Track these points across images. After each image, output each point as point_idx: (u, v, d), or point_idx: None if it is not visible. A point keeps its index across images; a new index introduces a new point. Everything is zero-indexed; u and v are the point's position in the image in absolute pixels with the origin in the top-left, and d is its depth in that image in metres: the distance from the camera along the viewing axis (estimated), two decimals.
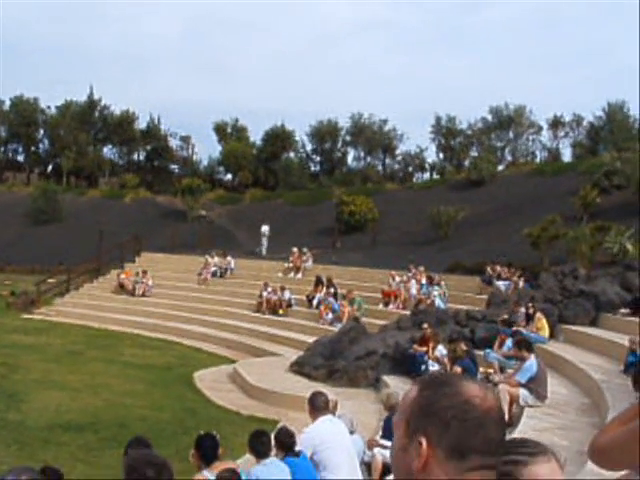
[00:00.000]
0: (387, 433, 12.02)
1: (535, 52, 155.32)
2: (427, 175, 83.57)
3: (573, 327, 22.36)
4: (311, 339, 25.79)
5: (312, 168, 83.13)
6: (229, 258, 39.91)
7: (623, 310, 22.35)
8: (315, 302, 32.06)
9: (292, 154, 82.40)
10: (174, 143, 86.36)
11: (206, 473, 7.81)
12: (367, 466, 11.67)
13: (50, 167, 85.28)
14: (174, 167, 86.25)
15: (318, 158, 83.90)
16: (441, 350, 20.32)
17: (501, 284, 28.92)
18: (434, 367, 19.82)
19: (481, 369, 18.88)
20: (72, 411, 18.14)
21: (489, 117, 77.99)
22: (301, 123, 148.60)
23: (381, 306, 30.87)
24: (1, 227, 57.99)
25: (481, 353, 19.86)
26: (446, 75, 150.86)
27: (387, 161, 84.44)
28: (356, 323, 26.29)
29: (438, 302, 28.09)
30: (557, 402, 15.22)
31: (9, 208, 62.50)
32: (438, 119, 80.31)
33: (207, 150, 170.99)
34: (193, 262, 41.13)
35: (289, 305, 33.00)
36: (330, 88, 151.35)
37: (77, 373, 22.97)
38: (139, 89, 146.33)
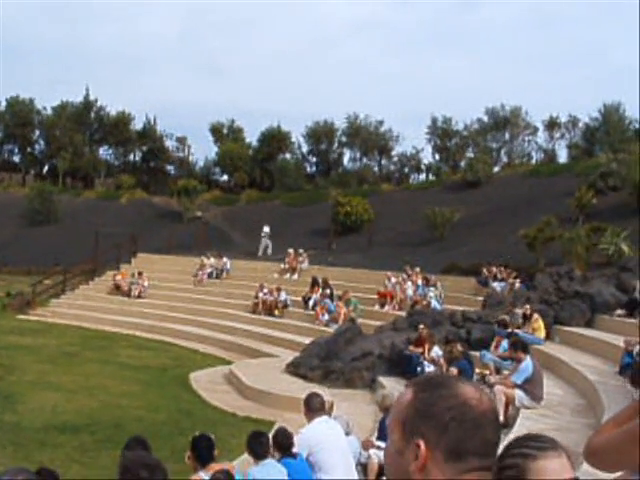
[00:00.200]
0: (383, 434, 12.03)
1: (531, 53, 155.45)
2: (423, 176, 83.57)
3: (569, 328, 22.38)
4: (307, 340, 25.78)
5: (308, 169, 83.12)
6: (225, 259, 39.92)
7: (619, 311, 22.39)
8: (311, 303, 32.06)
9: (288, 155, 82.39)
10: (170, 144, 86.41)
11: (202, 474, 7.82)
12: (363, 467, 11.68)
13: (46, 168, 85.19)
14: (170, 168, 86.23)
15: (314, 159, 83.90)
16: (437, 351, 20.33)
17: (497, 285, 28.94)
18: (430, 368, 19.83)
19: (477, 370, 18.89)
20: (68, 412, 18.13)
21: (485, 118, 78.04)
22: (297, 124, 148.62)
23: (377, 307, 30.88)
24: None
25: (477, 354, 19.88)
26: (442, 76, 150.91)
27: (383, 162, 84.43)
28: (352, 324, 26.29)
29: (434, 303, 28.13)
30: (553, 403, 15.24)
31: (5, 209, 62.40)
32: (434, 120, 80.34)
33: (203, 151, 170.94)
34: (189, 263, 41.14)
35: (285, 306, 32.99)
36: (326, 89, 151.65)
37: (73, 374, 22.95)
38: (135, 90, 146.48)
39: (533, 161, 77.57)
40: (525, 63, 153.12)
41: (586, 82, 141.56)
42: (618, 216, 34.66)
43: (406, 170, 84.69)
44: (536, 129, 79.48)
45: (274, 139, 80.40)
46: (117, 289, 39.60)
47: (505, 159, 78.04)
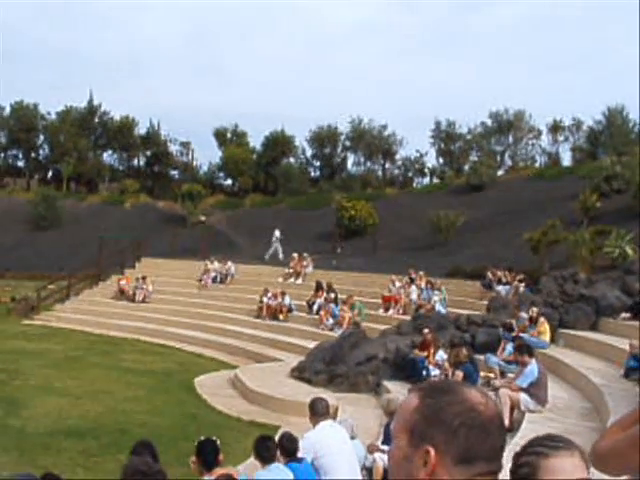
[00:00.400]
0: (388, 438, 12.01)
1: (534, 56, 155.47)
2: (427, 180, 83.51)
3: (573, 331, 22.33)
4: (311, 344, 25.78)
5: (312, 173, 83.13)
6: (229, 263, 39.91)
7: (623, 314, 22.33)
8: (315, 307, 32.03)
9: (292, 159, 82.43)
10: (174, 148, 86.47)
11: (206, 478, 7.82)
12: (368, 471, 11.67)
13: (50, 173, 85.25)
14: (174, 172, 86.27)
15: (318, 163, 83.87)
16: (441, 355, 20.31)
17: (501, 289, 28.92)
18: (435, 372, 19.81)
19: (482, 374, 18.89)
20: (72, 417, 18.13)
21: (489, 122, 77.96)
22: (301, 128, 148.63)
23: (381, 311, 30.85)
24: (1, 233, 58.01)
25: (482, 358, 19.86)
26: (445, 79, 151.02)
27: (387, 166, 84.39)
28: (356, 328, 26.28)
29: (438, 307, 28.10)
30: (558, 407, 15.22)
31: (9, 214, 62.50)
32: (438, 124, 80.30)
33: (207, 155, 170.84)
34: (193, 267, 41.14)
35: (289, 310, 32.98)
36: (330, 93, 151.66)
37: (77, 379, 22.96)
38: (139, 95, 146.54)
39: (537, 164, 77.51)
40: (529, 66, 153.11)
41: (590, 85, 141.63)
42: (622, 219, 34.62)
43: (410, 174, 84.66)
44: (540, 132, 79.46)
45: (278, 143, 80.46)
46: (121, 294, 39.63)
47: (509, 162, 78.00)
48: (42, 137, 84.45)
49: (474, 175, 56.35)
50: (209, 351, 29.73)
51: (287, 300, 33.13)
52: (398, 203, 55.11)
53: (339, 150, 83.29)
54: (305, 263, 38.19)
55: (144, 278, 39.25)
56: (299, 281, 37.07)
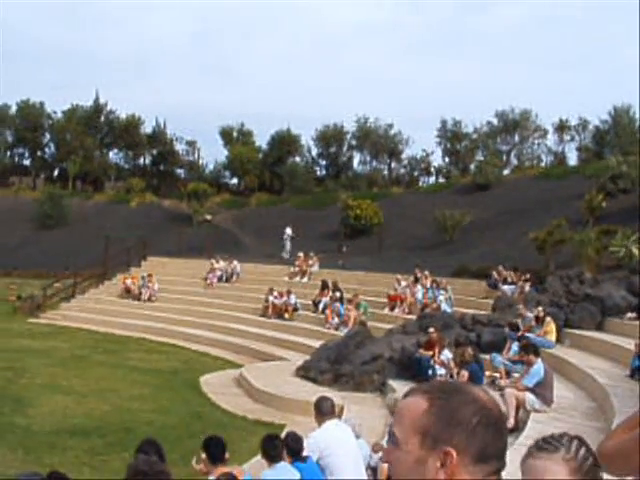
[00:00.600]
0: None
1: (540, 56, 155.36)
2: (433, 179, 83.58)
3: (579, 331, 22.31)
4: (317, 343, 25.79)
5: (318, 172, 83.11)
6: (235, 262, 39.92)
7: (629, 314, 22.31)
8: (321, 306, 32.03)
9: (298, 158, 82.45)
10: (180, 147, 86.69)
11: (211, 476, 7.85)
12: (373, 470, 11.67)
13: (56, 172, 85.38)
14: (180, 171, 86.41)
15: (324, 162, 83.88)
16: (447, 354, 20.29)
17: (507, 288, 28.90)
18: (441, 371, 19.80)
19: (487, 373, 18.89)
20: (78, 415, 18.16)
21: (495, 121, 77.93)
22: (307, 127, 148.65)
23: (387, 310, 30.85)
24: (7, 231, 58.08)
25: (487, 357, 19.86)
26: (451, 79, 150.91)
27: (393, 165, 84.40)
28: (362, 327, 26.28)
29: (444, 306, 28.09)
30: (563, 406, 15.21)
31: (15, 213, 62.62)
32: (444, 123, 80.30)
33: (213, 154, 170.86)
34: (199, 266, 41.17)
35: (295, 309, 32.99)
36: (336, 92, 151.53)
37: (83, 377, 22.98)
38: (145, 93, 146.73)
39: (543, 164, 77.51)
40: (535, 66, 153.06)
41: (596, 84, 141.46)
42: (628, 219, 34.55)
43: (416, 173, 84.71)
44: (546, 132, 79.43)
45: (284, 142, 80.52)
46: (127, 292, 39.67)
47: (515, 162, 77.97)
48: (48, 136, 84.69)
49: (480, 174, 56.30)
50: (215, 350, 29.75)
51: (293, 299, 33.14)
52: (404, 202, 55.06)
53: (345, 149, 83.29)
54: (311, 262, 38.22)
55: (150, 277, 39.30)
56: (305, 280, 37.08)
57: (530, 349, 15.68)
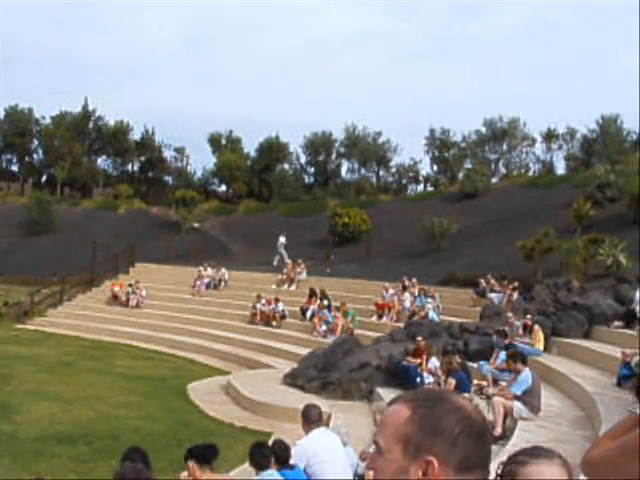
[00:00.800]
0: None
1: (529, 65, 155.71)
2: (421, 187, 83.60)
3: (566, 339, 22.37)
4: (304, 351, 25.79)
5: (306, 180, 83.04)
6: (223, 270, 39.91)
7: (616, 323, 22.40)
8: (309, 314, 32.02)
9: (286, 166, 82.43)
10: (168, 154, 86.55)
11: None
12: (360, 478, 11.66)
13: (44, 177, 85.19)
14: (168, 178, 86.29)
15: (312, 170, 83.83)
16: (434, 362, 20.30)
17: (494, 296, 28.95)
18: (428, 379, 19.82)
19: (475, 381, 18.90)
20: (65, 422, 18.09)
21: (483, 129, 77.99)
22: (295, 135, 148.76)
23: (375, 318, 30.87)
24: None
25: (475, 365, 19.88)
26: (440, 87, 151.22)
27: (381, 173, 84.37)
28: (350, 335, 26.29)
29: (432, 314, 28.09)
30: (550, 415, 15.23)
31: (3, 218, 62.44)
32: (432, 131, 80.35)
33: (201, 161, 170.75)
34: (187, 273, 41.13)
35: (282, 317, 32.98)
36: (325, 100, 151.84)
37: (70, 384, 22.92)
38: (133, 100, 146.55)
39: (531, 172, 77.57)
40: (523, 75, 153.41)
41: (584, 93, 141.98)
42: (616, 227, 34.71)
43: (404, 181, 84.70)
44: (534, 140, 79.52)
45: (272, 150, 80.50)
46: (115, 299, 39.60)
47: (503, 170, 78.00)
48: (36, 141, 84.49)
49: (468, 183, 56.38)
50: (202, 357, 29.72)
51: (280, 306, 33.14)
52: (392, 210, 55.10)
53: (333, 157, 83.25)
54: (299, 269, 38.23)
55: (137, 284, 39.24)
56: (292, 288, 37.09)
57: (518, 357, 15.71)
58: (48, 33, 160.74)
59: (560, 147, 79.29)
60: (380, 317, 30.79)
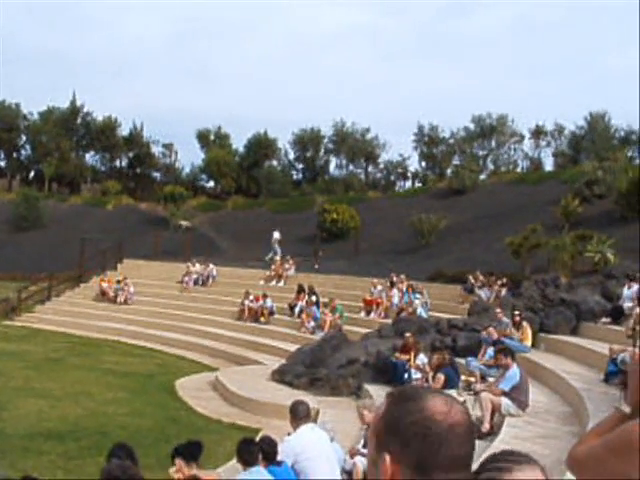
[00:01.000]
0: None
1: (517, 61, 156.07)
2: (409, 183, 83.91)
3: (554, 336, 22.41)
4: (293, 347, 25.80)
5: (294, 176, 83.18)
6: (211, 266, 39.88)
7: (604, 319, 22.46)
8: (297, 310, 32.01)
9: (275, 162, 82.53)
10: (156, 150, 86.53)
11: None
12: (348, 474, 11.67)
13: (32, 173, 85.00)
14: (156, 174, 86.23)
15: (300, 166, 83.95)
16: (422, 359, 20.31)
17: (482, 293, 28.98)
18: (416, 376, 19.83)
19: (463, 377, 18.91)
20: (53, 419, 18.04)
21: (471, 126, 78.26)
22: (284, 131, 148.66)
23: (363, 314, 30.87)
24: None
25: (463, 362, 19.91)
26: (429, 84, 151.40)
27: (369, 169, 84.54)
28: (338, 332, 26.30)
29: (420, 310, 28.09)
30: (538, 411, 15.25)
31: None
32: (420, 127, 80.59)
33: (190, 157, 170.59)
34: (175, 269, 41.08)
35: (271, 313, 32.96)
36: (313, 96, 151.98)
37: (58, 381, 22.85)
38: (122, 96, 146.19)
39: (519, 169, 77.94)
40: (512, 71, 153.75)
41: (572, 90, 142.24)
42: (604, 224, 34.80)
43: (392, 177, 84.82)
44: (522, 137, 79.90)
45: (261, 146, 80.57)
46: (103, 295, 39.51)
47: (491, 167, 78.24)
48: (24, 137, 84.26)
49: (456, 179, 56.52)
50: (190, 353, 29.69)
51: (269, 303, 33.12)
52: (380, 206, 55.17)
53: (322, 153, 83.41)
54: (287, 266, 38.22)
55: (125, 280, 39.17)
56: (281, 284, 37.06)
57: (507, 352, 15.74)
58: (36, 29, 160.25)
59: (548, 144, 79.69)
60: (368, 313, 30.80)
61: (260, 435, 12.78)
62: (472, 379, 19.00)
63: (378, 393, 19.02)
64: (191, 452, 8.19)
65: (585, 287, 24.90)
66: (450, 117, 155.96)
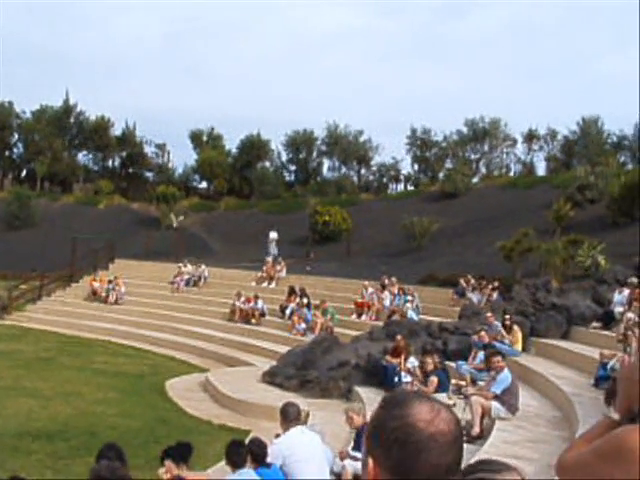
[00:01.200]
0: (358, 445, 12.02)
1: (511, 66, 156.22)
2: (402, 186, 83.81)
3: (545, 340, 22.45)
4: (284, 349, 25.77)
5: (287, 178, 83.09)
6: (203, 266, 39.84)
7: (594, 324, 22.49)
8: (288, 312, 32.00)
9: (267, 163, 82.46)
10: (149, 150, 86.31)
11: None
12: (337, 476, 11.67)
13: (24, 172, 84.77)
14: (149, 174, 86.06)
15: (293, 167, 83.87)
16: (413, 362, 20.31)
17: (474, 296, 29.00)
18: (406, 379, 19.82)
19: (453, 381, 18.93)
20: (42, 419, 18.01)
21: (464, 129, 78.28)
22: (277, 132, 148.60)
23: (354, 317, 30.88)
24: None
25: (453, 365, 19.92)
26: (422, 87, 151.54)
27: (362, 172, 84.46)
28: (329, 334, 26.29)
29: (411, 313, 28.12)
30: (528, 415, 15.27)
31: None
32: (413, 131, 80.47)
33: (182, 158, 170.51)
34: (167, 270, 41.02)
35: (262, 315, 32.95)
36: (307, 97, 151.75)
37: (48, 380, 22.81)
38: (115, 95, 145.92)
39: (511, 173, 77.97)
40: (505, 75, 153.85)
41: (565, 95, 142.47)
42: (595, 229, 34.88)
43: (385, 180, 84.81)
44: (515, 141, 79.91)
45: (254, 147, 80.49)
46: (94, 295, 39.47)
47: (484, 170, 78.27)
48: (16, 136, 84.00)
49: (449, 182, 56.59)
50: (181, 354, 29.66)
51: (260, 304, 33.11)
52: (372, 209, 55.18)
53: (314, 155, 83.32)
54: (279, 267, 38.20)
55: (117, 279, 39.12)
56: (272, 285, 37.05)
57: (499, 355, 15.78)
58: (30, 27, 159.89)
59: (541, 148, 79.71)
60: (359, 316, 30.81)
61: (250, 437, 12.77)
62: (462, 383, 19.00)
63: (368, 396, 19.02)
64: (181, 453, 8.20)
65: (576, 292, 24.92)
66: (443, 120, 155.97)
